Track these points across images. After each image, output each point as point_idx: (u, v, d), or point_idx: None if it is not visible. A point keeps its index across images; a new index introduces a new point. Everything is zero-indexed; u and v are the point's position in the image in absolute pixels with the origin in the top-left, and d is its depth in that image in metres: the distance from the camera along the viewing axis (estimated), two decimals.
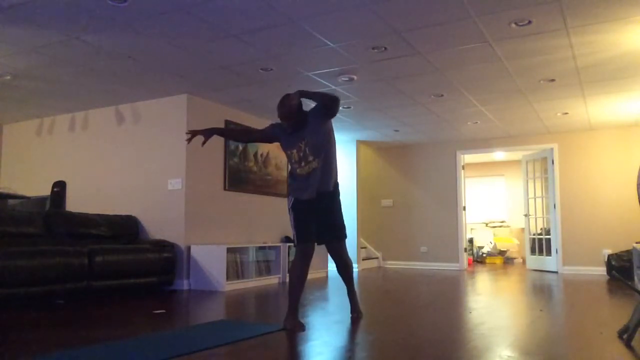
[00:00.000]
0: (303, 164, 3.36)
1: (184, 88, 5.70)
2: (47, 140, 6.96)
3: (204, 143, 3.50)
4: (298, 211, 3.41)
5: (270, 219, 7.00)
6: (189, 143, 3.20)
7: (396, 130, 8.06)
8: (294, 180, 3.47)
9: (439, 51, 4.57)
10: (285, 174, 7.39)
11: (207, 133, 3.47)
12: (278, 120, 3.42)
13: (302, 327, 3.25)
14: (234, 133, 3.48)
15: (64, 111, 6.67)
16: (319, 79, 5.36)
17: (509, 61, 4.83)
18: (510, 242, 10.75)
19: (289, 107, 3.24)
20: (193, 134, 3.35)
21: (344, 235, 3.59)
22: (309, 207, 3.42)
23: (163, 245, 5.50)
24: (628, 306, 4.31)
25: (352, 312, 3.71)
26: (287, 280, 3.51)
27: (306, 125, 3.34)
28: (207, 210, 6.04)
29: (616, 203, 7.72)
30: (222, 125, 6.30)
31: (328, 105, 3.31)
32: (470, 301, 4.76)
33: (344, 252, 3.63)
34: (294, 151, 3.37)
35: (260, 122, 7.00)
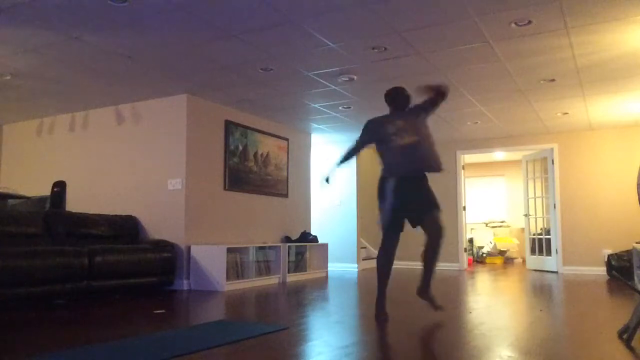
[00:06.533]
0: (405, 134, 3.72)
1: (184, 88, 5.70)
2: (47, 140, 6.96)
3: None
4: (398, 193, 3.75)
5: (270, 219, 7.01)
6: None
7: None
8: (395, 156, 3.76)
9: (439, 51, 4.57)
10: (284, 173, 7.40)
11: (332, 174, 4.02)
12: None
13: (386, 317, 3.60)
14: (353, 153, 3.99)
15: (64, 111, 6.67)
16: (319, 79, 5.36)
17: (509, 61, 4.83)
18: (510, 242, 10.75)
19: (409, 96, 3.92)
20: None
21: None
22: (409, 185, 3.83)
23: (163, 246, 5.51)
24: (628, 306, 4.31)
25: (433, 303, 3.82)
26: (376, 268, 3.83)
27: (408, 111, 3.92)
28: (207, 210, 6.04)
29: (616, 203, 7.72)
30: (222, 126, 6.33)
31: (436, 102, 3.91)
32: (470, 301, 4.76)
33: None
34: (393, 125, 3.75)
35: (260, 122, 7.01)
